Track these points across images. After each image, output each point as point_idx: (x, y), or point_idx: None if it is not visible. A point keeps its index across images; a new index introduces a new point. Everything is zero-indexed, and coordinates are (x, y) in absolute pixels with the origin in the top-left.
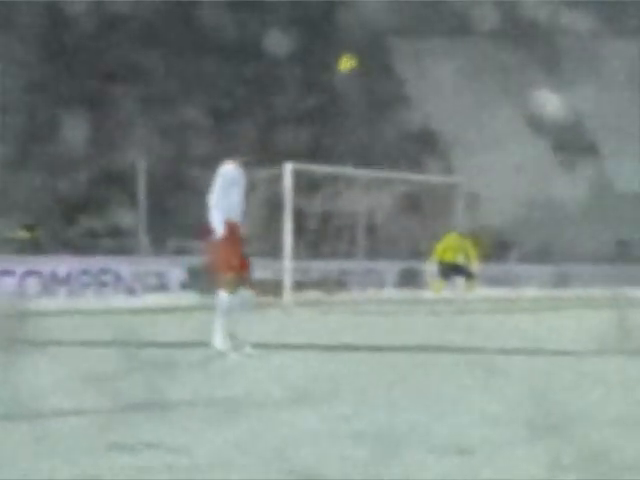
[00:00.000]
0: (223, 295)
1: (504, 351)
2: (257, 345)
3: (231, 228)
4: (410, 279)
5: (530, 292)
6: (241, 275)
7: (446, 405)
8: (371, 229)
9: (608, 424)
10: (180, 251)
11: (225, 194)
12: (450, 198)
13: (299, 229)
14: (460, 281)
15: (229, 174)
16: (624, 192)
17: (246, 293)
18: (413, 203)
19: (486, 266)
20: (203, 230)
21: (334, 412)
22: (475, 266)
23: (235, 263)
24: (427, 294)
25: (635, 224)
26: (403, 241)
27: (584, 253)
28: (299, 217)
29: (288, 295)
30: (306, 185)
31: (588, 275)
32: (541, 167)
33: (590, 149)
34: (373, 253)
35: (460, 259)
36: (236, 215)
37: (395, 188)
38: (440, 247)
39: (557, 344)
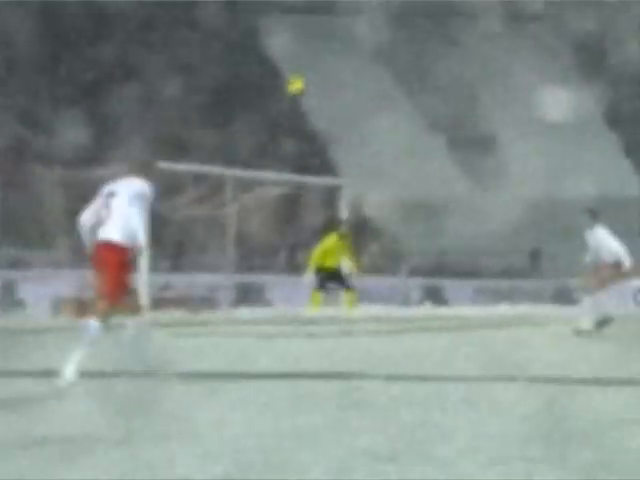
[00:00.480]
0: (93, 323)
1: (380, 377)
2: (93, 374)
3: (107, 250)
4: (289, 294)
5: (424, 311)
6: (117, 303)
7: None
8: (243, 237)
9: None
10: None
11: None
12: (333, 201)
13: (157, 237)
14: (342, 294)
15: (139, 192)
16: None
17: (137, 321)
18: (291, 207)
19: (375, 279)
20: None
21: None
22: (354, 273)
23: (106, 290)
24: (307, 311)
25: (551, 231)
26: (281, 250)
27: (492, 266)
28: (158, 223)
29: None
30: (166, 187)
31: (491, 292)
32: (436, 166)
33: (489, 145)
34: (245, 265)
35: (342, 265)
36: (132, 237)
37: (271, 190)
38: (318, 252)
39: (437, 369)
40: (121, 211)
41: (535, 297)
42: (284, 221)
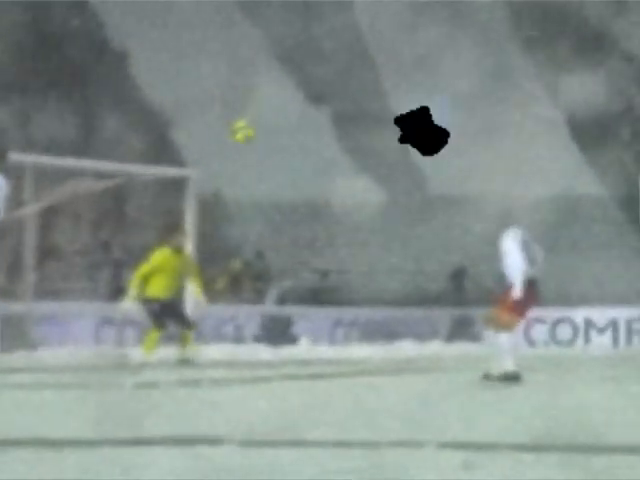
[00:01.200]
0: None
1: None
2: None
3: None
4: (118, 329)
5: (300, 350)
6: None
7: None
8: (47, 250)
9: None
10: None
11: None
12: (176, 201)
13: None
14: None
15: None
16: (442, 194)
17: None
18: (118, 208)
19: (233, 308)
20: None
21: None
22: (200, 302)
23: None
24: (138, 354)
25: (477, 243)
26: (103, 268)
27: (396, 289)
28: None
29: None
30: None
31: (388, 324)
32: (322, 153)
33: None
34: (48, 289)
35: (178, 292)
36: None
37: (89, 184)
38: (144, 271)
39: (308, 431)
40: None
41: (433, 333)
42: (107, 227)
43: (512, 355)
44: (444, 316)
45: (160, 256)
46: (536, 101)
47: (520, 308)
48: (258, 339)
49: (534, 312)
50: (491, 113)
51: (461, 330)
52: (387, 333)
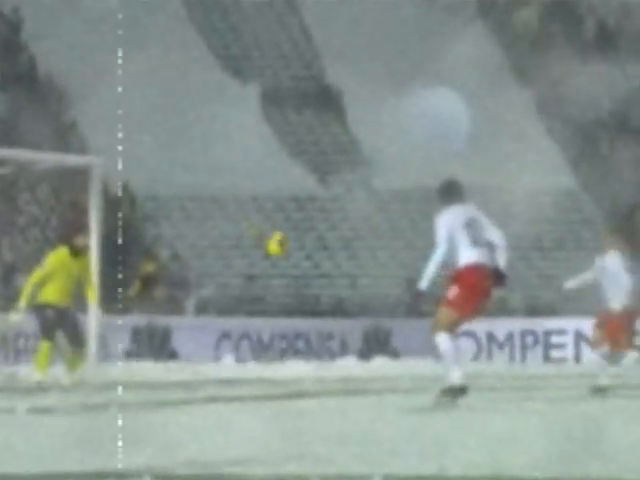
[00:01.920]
0: None
1: None
2: None
3: None
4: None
5: (219, 369)
6: None
7: None
8: None
9: None
10: None
11: None
12: (80, 192)
13: None
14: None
15: None
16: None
17: None
18: (7, 202)
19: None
20: None
21: None
22: (94, 311)
23: None
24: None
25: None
26: None
27: (349, 296)
28: None
29: None
30: None
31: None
32: (249, 138)
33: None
34: None
35: (71, 300)
36: None
37: None
38: (37, 276)
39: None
40: None
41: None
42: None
43: (456, 363)
44: (356, 329)
45: (55, 258)
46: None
47: (459, 302)
48: (129, 354)
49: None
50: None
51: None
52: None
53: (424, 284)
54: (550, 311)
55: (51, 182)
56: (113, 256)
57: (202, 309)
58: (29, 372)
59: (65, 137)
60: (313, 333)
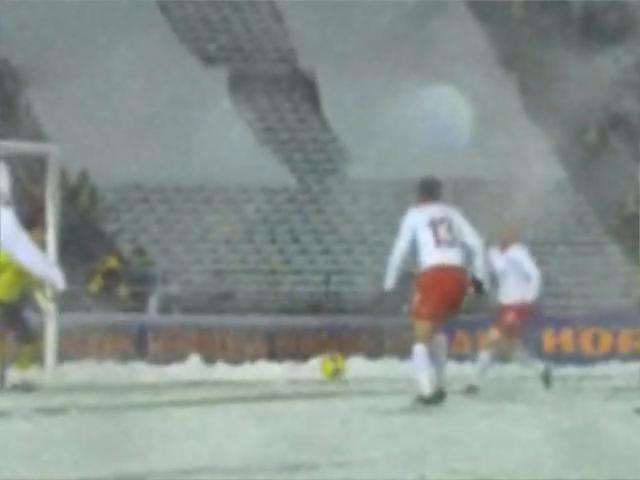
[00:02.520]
0: None
1: None
2: None
3: None
4: None
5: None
6: None
7: None
8: None
9: None
10: None
11: None
12: (35, 181)
13: None
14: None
15: None
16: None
17: None
18: None
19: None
20: None
21: None
22: (48, 309)
23: None
24: None
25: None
26: None
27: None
28: None
29: None
30: None
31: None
32: (216, 134)
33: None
34: None
35: (19, 295)
36: None
37: None
38: None
39: None
40: None
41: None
42: None
43: (424, 373)
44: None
45: (4, 254)
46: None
47: (422, 309)
48: (90, 355)
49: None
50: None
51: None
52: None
53: (387, 284)
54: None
55: (3, 171)
56: (72, 251)
57: (167, 307)
58: None
59: (18, 122)
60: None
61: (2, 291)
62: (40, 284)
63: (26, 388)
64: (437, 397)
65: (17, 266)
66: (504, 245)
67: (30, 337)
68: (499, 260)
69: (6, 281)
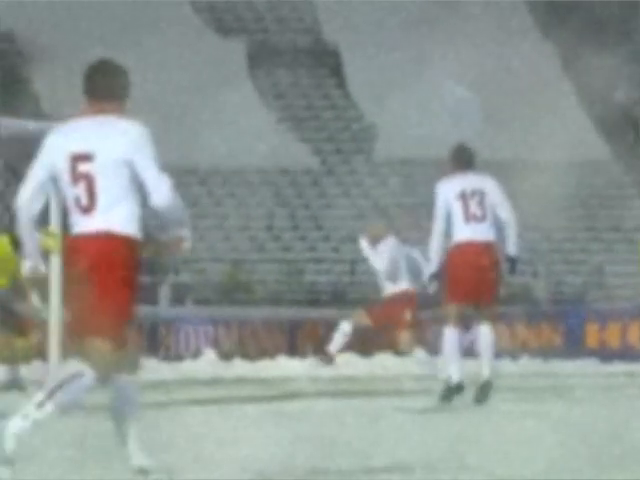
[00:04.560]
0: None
1: None
2: None
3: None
4: None
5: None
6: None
7: None
8: None
9: None
10: None
11: None
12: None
13: None
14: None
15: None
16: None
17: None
18: None
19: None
20: None
21: None
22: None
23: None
24: None
25: None
26: None
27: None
28: None
29: None
30: None
31: None
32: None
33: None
34: None
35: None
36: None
37: None
38: None
39: None
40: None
41: None
42: None
43: (451, 359)
44: None
45: None
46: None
47: (450, 289)
48: None
49: None
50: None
51: None
52: None
53: (431, 267)
54: (578, 300)
55: (3, 153)
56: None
57: (180, 298)
58: None
59: (19, 99)
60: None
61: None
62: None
63: (17, 387)
64: (454, 390)
65: (6, 265)
66: (374, 242)
67: (22, 330)
68: (373, 256)
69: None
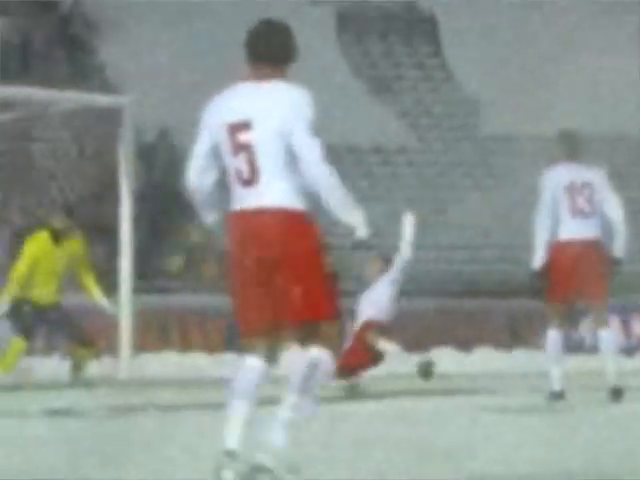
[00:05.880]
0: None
1: None
2: None
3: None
4: None
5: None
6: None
7: None
8: None
9: None
10: None
11: None
12: (108, 140)
13: None
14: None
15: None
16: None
17: None
18: (19, 151)
19: None
20: None
21: None
22: (106, 307)
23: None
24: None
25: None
26: None
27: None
28: None
29: None
30: None
31: None
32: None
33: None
34: None
35: (58, 294)
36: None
37: None
38: (23, 273)
39: None
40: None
41: None
42: (2, 182)
43: (553, 363)
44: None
45: (35, 246)
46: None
47: (551, 288)
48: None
49: None
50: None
51: None
52: None
53: (535, 262)
54: None
55: (72, 129)
56: (147, 221)
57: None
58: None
59: (88, 72)
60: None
61: (35, 292)
62: (86, 277)
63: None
64: (554, 397)
65: (51, 263)
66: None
67: (85, 339)
68: None
69: (39, 281)
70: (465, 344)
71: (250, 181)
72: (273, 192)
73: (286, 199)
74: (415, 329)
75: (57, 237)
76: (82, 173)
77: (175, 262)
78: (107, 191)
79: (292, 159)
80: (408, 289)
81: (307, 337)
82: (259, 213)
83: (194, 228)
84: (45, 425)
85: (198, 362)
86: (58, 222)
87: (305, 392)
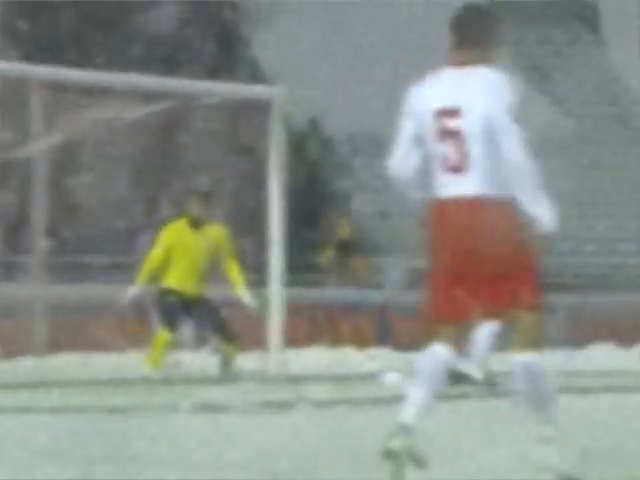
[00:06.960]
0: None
1: None
2: None
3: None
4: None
5: None
6: None
7: None
8: (63, 205)
9: None
10: None
11: None
12: (256, 131)
13: None
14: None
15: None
16: None
17: None
18: (167, 143)
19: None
20: None
21: None
22: (248, 300)
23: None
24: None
25: None
26: (145, 230)
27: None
28: None
29: None
30: None
31: None
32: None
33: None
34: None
35: (202, 286)
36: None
37: (125, 109)
38: (154, 262)
39: None
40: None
41: None
42: (151, 174)
43: None
44: None
45: (171, 234)
46: None
47: None
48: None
49: None
50: None
51: None
52: None
53: None
54: None
55: (221, 121)
56: (298, 214)
57: (414, 282)
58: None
59: (236, 63)
60: None
61: (177, 282)
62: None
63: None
64: None
65: (190, 251)
66: None
67: (229, 335)
68: None
69: (180, 270)
70: None
71: (458, 168)
72: (483, 180)
73: (495, 187)
74: None
75: (195, 224)
76: (231, 165)
77: (326, 256)
78: (256, 183)
79: (496, 146)
80: None
81: (516, 327)
82: (469, 201)
83: (345, 221)
84: (197, 420)
85: (348, 357)
86: (196, 209)
87: (543, 403)
